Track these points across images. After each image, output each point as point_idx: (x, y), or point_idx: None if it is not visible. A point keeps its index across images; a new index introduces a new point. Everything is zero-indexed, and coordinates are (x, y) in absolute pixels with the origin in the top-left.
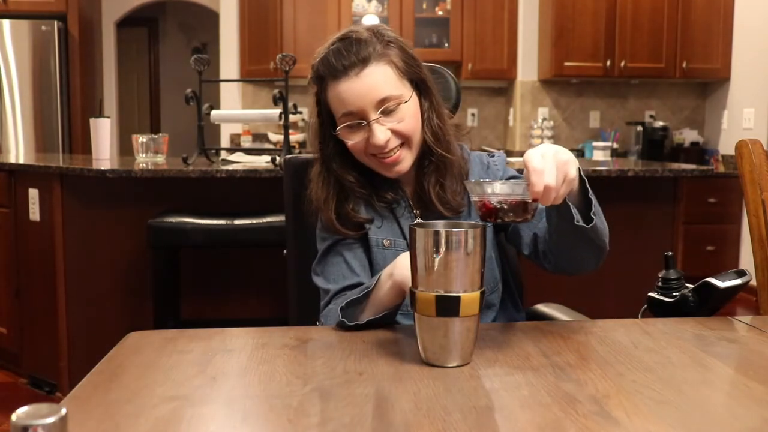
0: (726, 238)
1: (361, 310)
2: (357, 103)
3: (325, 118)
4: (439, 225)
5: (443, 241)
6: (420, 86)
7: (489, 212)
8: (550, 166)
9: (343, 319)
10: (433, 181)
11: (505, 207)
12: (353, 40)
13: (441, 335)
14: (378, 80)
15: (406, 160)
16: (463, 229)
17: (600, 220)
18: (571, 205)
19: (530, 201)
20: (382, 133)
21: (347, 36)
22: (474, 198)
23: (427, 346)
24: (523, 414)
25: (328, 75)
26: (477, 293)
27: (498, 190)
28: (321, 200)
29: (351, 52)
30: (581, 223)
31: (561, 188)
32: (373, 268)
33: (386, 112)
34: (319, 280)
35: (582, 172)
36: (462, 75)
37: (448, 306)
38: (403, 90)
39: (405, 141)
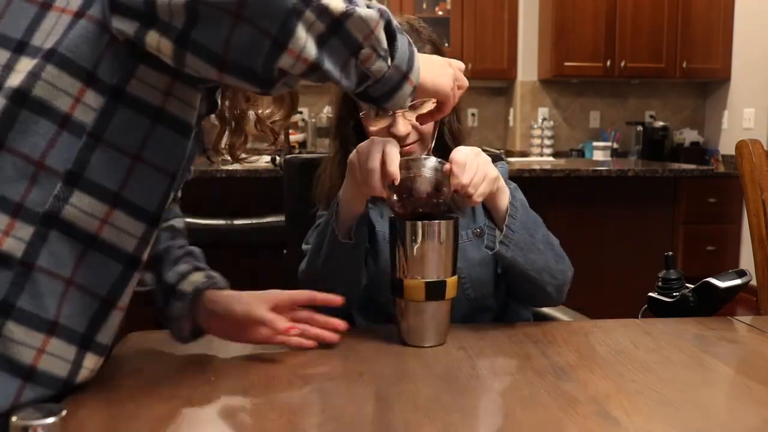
0: (726, 238)
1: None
2: None
3: (350, 99)
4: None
5: (420, 231)
6: None
7: (404, 185)
8: (472, 162)
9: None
10: None
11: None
12: None
13: (428, 317)
14: None
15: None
16: (436, 221)
17: (520, 254)
18: (487, 229)
19: (448, 189)
20: (404, 125)
21: None
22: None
23: (412, 327)
24: (523, 414)
25: None
26: (455, 278)
27: (428, 166)
28: (335, 176)
29: None
30: (493, 248)
31: (480, 185)
32: (378, 261)
33: (412, 107)
34: (305, 247)
35: (509, 202)
36: None
37: (436, 290)
38: None
39: (421, 138)
